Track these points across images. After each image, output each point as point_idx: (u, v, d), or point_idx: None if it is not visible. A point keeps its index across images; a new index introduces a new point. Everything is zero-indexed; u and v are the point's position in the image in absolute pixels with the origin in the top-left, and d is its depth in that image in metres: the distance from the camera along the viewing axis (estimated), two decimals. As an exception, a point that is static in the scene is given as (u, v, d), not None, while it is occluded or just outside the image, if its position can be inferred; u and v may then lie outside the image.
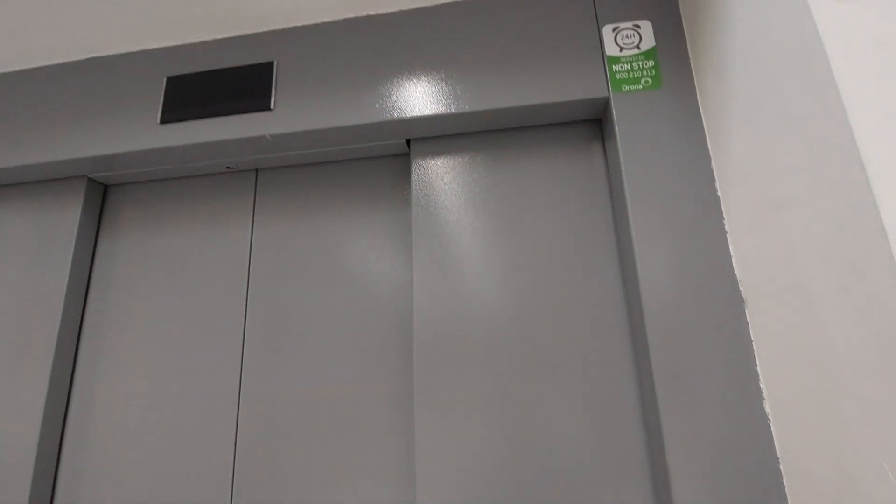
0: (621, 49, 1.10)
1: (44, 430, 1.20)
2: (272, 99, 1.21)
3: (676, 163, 1.02)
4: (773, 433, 0.86)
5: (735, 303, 0.93)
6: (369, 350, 1.19)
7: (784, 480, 0.84)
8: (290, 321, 1.25)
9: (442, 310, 1.10)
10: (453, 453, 1.02)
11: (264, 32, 1.28)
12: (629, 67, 1.08)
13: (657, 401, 0.91)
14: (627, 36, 1.10)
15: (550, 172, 1.18)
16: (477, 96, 1.13)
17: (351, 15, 1.25)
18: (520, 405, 1.04)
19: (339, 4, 1.22)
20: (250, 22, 1.27)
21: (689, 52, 1.07)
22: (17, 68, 1.41)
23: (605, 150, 1.18)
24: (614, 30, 1.11)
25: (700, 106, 1.04)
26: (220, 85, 1.25)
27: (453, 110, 1.13)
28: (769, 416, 0.87)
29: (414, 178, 1.21)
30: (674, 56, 1.08)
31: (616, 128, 1.05)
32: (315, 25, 1.26)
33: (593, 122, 1.21)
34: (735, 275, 0.95)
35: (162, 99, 1.27)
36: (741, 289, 0.94)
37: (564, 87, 1.10)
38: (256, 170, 1.39)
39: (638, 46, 1.09)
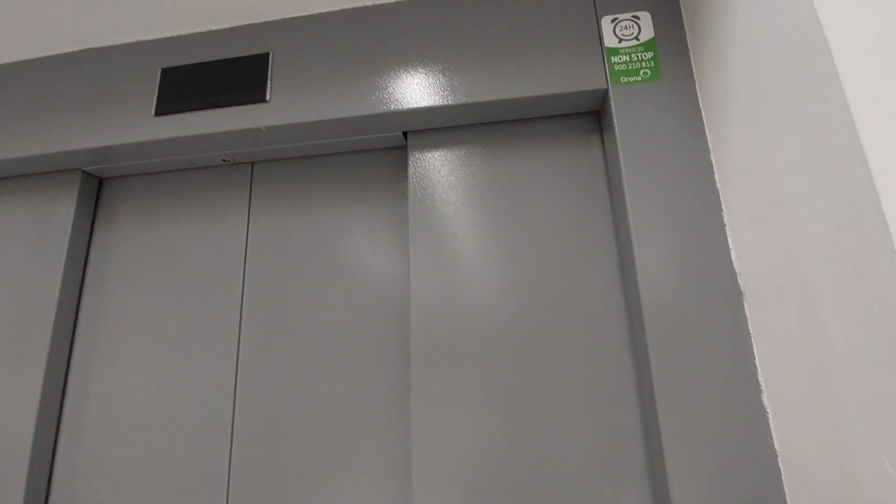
0: (620, 40, 1.08)
1: (39, 425, 1.19)
2: (268, 91, 1.19)
3: (675, 156, 1.01)
4: (772, 427, 0.86)
5: (734, 296, 0.93)
6: (366, 344, 1.19)
7: (782, 475, 0.84)
8: (287, 315, 1.24)
9: (439, 304, 1.10)
10: (450, 449, 1.02)
11: (260, 23, 1.27)
12: (628, 59, 1.07)
13: (655, 394, 0.90)
14: (626, 27, 1.09)
15: (548, 165, 1.17)
16: (474, 88, 1.12)
17: (347, 6, 1.23)
18: (517, 400, 1.04)
19: (336, -5, 1.21)
20: (246, 13, 1.25)
21: (689, 44, 1.06)
22: (9, 60, 1.39)
23: (603, 142, 1.17)
24: (613, 21, 1.10)
25: (699, 98, 1.03)
26: (216, 77, 1.24)
27: (450, 102, 1.12)
28: (768, 411, 0.87)
29: (411, 170, 1.20)
30: (673, 48, 1.07)
31: (615, 120, 1.04)
32: (311, 16, 1.25)
33: (592, 115, 1.19)
34: (734, 269, 0.94)
35: (157, 91, 1.26)
36: (740, 283, 0.93)
37: (563, 78, 1.09)
38: (252, 163, 1.38)
39: (637, 38, 1.08)
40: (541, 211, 1.14)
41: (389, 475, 1.10)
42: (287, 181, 1.34)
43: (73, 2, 1.22)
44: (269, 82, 1.20)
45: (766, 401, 0.87)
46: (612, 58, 1.08)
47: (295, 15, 1.25)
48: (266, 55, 1.22)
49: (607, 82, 1.07)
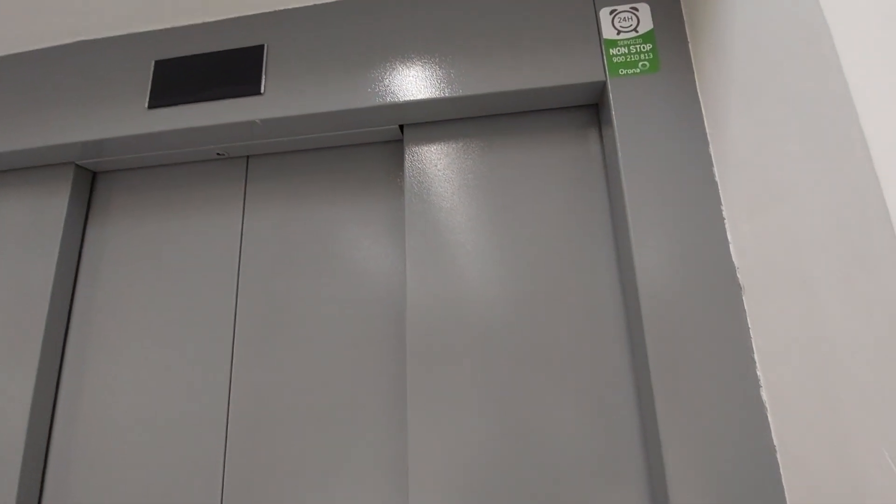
0: (618, 32, 1.07)
1: (32, 421, 1.18)
2: (262, 83, 1.18)
3: (674, 148, 1.00)
4: (770, 422, 0.85)
5: (733, 290, 0.92)
6: (362, 340, 1.18)
7: (780, 470, 0.83)
8: (282, 311, 1.23)
9: (436, 299, 1.09)
10: (446, 445, 1.01)
11: (255, 15, 1.26)
12: (626, 51, 1.06)
13: (653, 390, 0.89)
14: (625, 19, 1.08)
15: (546, 159, 1.16)
16: (471, 80, 1.10)
17: (343, -3, 1.22)
18: (514, 393, 1.03)
19: (331, -14, 1.20)
20: (240, 4, 1.24)
21: (688, 35, 1.05)
22: (1, 53, 1.37)
23: (601, 135, 1.16)
24: (611, 12, 1.09)
25: (698, 90, 1.02)
26: (210, 69, 1.22)
27: (447, 94, 1.10)
28: (766, 405, 0.86)
29: (407, 164, 1.19)
30: (672, 39, 1.06)
31: (613, 113, 1.03)
32: (306, 8, 1.23)
33: (590, 108, 1.18)
34: (733, 262, 0.93)
35: (150, 83, 1.25)
36: (739, 276, 0.92)
37: (561, 70, 1.08)
38: (247, 157, 1.36)
39: (636, 29, 1.07)
40: (538, 205, 1.13)
41: (386, 471, 1.09)
42: (282, 175, 1.33)
43: (65, -7, 1.21)
44: (263, 75, 1.19)
45: (764, 395, 0.87)
46: (611, 50, 1.07)
47: (290, 6, 1.24)
48: (261, 47, 1.21)
49: (605, 74, 1.06)
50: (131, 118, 1.23)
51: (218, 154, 1.34)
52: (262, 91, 1.18)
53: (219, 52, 1.23)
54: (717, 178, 0.98)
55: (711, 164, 0.98)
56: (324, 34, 1.20)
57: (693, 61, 1.04)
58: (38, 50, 1.35)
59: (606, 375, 1.02)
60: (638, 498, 0.96)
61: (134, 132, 1.21)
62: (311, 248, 1.26)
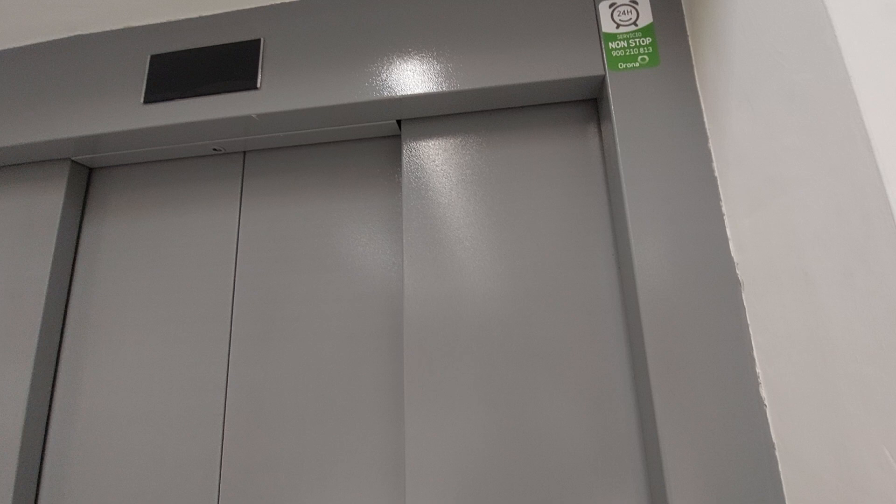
0: (618, 26, 1.06)
1: (28, 418, 1.18)
2: (259, 78, 1.17)
3: (673, 143, 0.99)
4: (770, 419, 0.85)
5: (732, 286, 0.91)
6: (359, 336, 1.17)
7: (779, 466, 0.83)
8: (279, 307, 1.22)
9: (433, 295, 1.08)
10: (444, 442, 1.01)
11: (251, 9, 1.24)
12: (626, 45, 1.05)
13: (651, 386, 0.89)
14: (624, 12, 1.07)
15: (545, 154, 1.15)
16: (469, 74, 1.09)
17: (340, -9, 1.21)
18: (512, 392, 1.02)
19: (328, -20, 1.19)
20: (236, -2, 1.23)
21: (688, 29, 1.04)
22: (-4, 47, 1.36)
23: (600, 130, 1.15)
24: (611, 6, 1.08)
25: (698, 84, 1.02)
26: (206, 63, 1.21)
27: (445, 89, 1.10)
28: (765, 402, 0.86)
29: (405, 160, 1.18)
30: (671, 33, 1.05)
31: (612, 107, 1.02)
32: (303, 2, 1.22)
33: (589, 102, 1.18)
34: (732, 258, 0.93)
35: (146, 78, 1.24)
36: (738, 272, 0.92)
37: (559, 65, 1.07)
38: (244, 152, 1.36)
39: (635, 23, 1.06)
40: (537, 201, 1.12)
41: (382, 468, 1.09)
42: (279, 171, 1.32)
43: (59, -13, 1.20)
44: (260, 69, 1.18)
45: (763, 392, 0.86)
46: (610, 44, 1.06)
47: (286, 0, 1.23)
48: (257, 41, 1.20)
49: (605, 69, 1.05)
50: (127, 113, 1.22)
51: (214, 149, 1.33)
52: (258, 86, 1.17)
53: (215, 46, 1.22)
54: (716, 173, 0.97)
55: (711, 159, 0.98)
56: (320, 28, 1.19)
57: (693, 55, 1.03)
58: (32, 45, 1.34)
59: (604, 371, 1.02)
60: (636, 494, 0.96)
61: (130, 127, 1.20)
62: (309, 244, 1.25)
